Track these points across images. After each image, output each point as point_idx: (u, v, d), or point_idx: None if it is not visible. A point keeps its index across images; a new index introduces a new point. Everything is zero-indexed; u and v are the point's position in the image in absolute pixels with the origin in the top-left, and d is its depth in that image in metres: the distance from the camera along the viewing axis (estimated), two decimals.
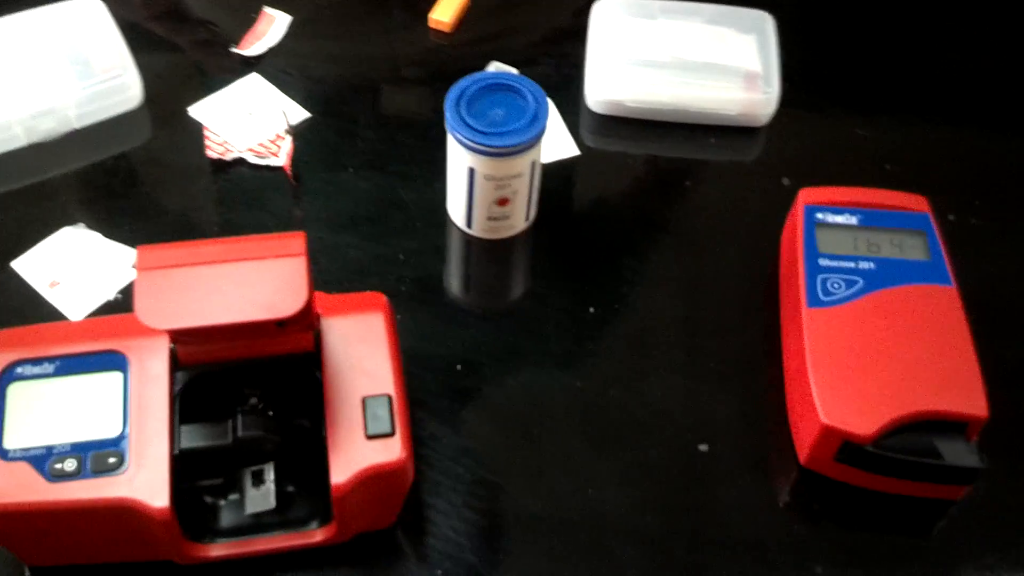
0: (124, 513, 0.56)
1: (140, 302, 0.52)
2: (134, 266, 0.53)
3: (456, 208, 0.77)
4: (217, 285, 0.53)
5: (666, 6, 0.88)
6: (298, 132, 0.82)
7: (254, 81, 0.84)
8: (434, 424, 0.67)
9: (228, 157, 0.79)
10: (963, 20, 0.95)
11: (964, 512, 0.66)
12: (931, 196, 0.73)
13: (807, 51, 0.89)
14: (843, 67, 0.91)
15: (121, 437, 0.57)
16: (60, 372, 0.58)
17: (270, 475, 0.59)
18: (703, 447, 0.67)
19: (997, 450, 0.64)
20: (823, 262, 0.70)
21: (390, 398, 0.59)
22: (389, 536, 0.62)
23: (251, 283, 0.53)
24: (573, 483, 0.66)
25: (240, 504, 0.59)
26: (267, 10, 0.89)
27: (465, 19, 0.91)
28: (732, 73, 0.84)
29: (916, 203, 0.73)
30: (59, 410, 0.57)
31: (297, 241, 0.54)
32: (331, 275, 0.74)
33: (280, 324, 0.56)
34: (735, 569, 0.63)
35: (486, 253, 0.77)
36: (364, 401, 0.59)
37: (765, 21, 0.88)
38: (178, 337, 0.58)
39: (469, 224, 0.76)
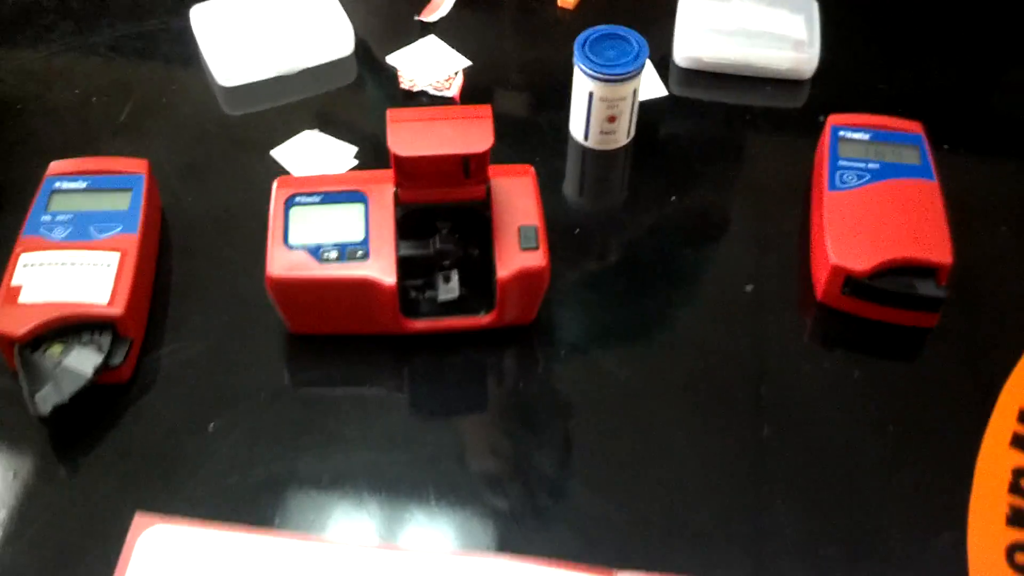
0: (366, 287, 0.86)
1: (391, 139, 0.82)
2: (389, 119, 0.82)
3: (577, 126, 1.06)
4: (436, 131, 0.82)
5: None
6: (464, 73, 1.12)
7: (432, 40, 1.16)
8: (560, 264, 0.96)
9: (415, 89, 1.10)
10: None
11: (937, 338, 0.93)
12: (931, 128, 1.00)
13: (842, 26, 1.17)
14: (870, 37, 1.19)
15: (365, 241, 0.87)
16: (324, 202, 0.89)
17: (455, 276, 0.88)
18: (749, 288, 0.96)
19: (964, 296, 0.92)
20: (841, 163, 0.97)
21: (536, 227, 0.88)
22: (530, 328, 0.92)
23: (457, 130, 0.83)
24: (654, 306, 0.94)
25: (435, 297, 0.89)
26: None
27: (584, 2, 1.22)
28: (785, 40, 1.13)
29: (914, 127, 1.00)
30: (325, 222, 0.88)
31: (486, 109, 0.84)
32: None
33: (467, 175, 0.86)
34: (770, 375, 0.91)
35: (597, 160, 1.07)
36: (520, 229, 0.88)
37: (812, 4, 1.16)
38: (400, 181, 0.88)
39: (586, 138, 1.06)
